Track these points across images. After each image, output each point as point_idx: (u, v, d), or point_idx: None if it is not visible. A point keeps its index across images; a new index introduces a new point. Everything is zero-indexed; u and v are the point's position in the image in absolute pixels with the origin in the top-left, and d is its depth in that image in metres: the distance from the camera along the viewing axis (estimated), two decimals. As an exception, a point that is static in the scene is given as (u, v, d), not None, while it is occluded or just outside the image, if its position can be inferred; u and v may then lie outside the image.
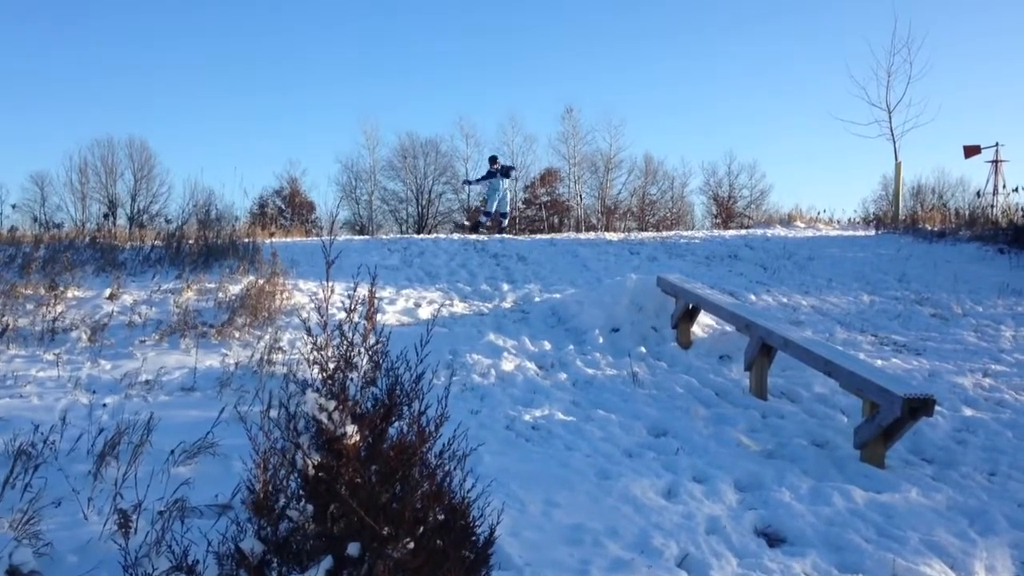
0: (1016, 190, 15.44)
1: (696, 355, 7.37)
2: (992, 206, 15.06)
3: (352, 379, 2.78)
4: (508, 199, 16.57)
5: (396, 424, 2.84)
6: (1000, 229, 12.69)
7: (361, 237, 15.14)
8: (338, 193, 40.62)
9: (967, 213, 14.84)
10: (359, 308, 2.90)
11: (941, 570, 3.78)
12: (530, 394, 6.19)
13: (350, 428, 2.63)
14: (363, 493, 2.54)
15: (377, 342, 2.81)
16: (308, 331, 2.81)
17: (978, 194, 15.96)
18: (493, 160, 16.41)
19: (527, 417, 5.65)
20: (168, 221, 12.64)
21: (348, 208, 42.76)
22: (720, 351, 7.47)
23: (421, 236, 14.40)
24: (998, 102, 56.29)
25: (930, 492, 4.63)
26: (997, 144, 16.35)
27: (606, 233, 15.64)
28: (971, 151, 16.00)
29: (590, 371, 6.79)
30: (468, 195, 42.85)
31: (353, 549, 2.45)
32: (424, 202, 43.20)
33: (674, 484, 4.60)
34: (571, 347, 7.44)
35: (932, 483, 4.80)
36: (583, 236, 14.55)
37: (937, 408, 5.63)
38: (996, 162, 16.15)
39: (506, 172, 16.22)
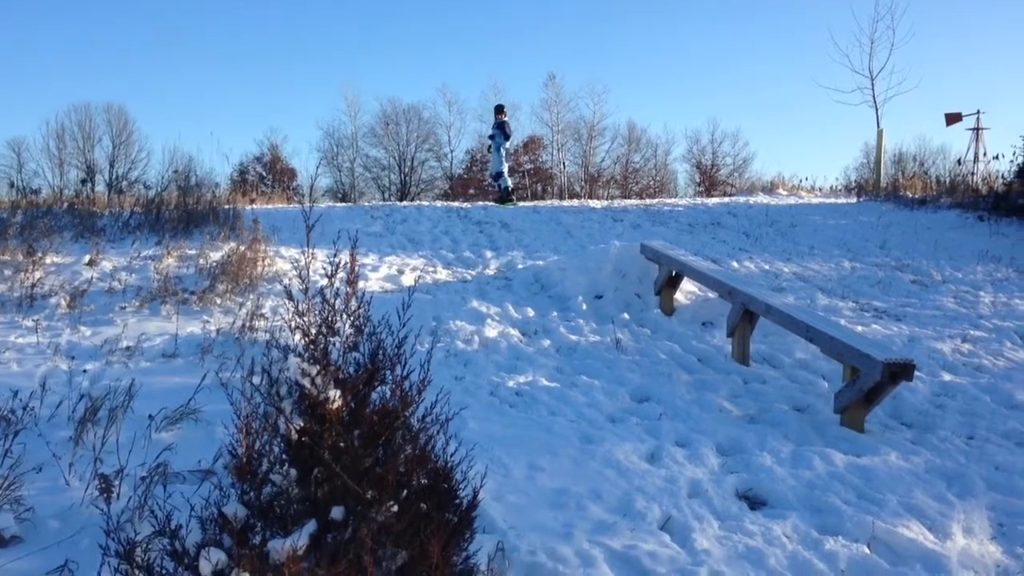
0: (996, 158, 15.52)
1: (679, 321, 7.40)
2: (972, 174, 15.15)
3: (334, 344, 2.76)
4: (495, 159, 14.63)
5: (379, 389, 2.83)
6: (980, 196, 12.76)
7: (343, 204, 15.03)
8: (319, 158, 40.26)
9: (948, 181, 14.90)
10: (341, 274, 2.87)
11: (919, 531, 3.83)
12: (514, 360, 6.19)
13: (333, 393, 2.62)
14: (346, 457, 2.53)
15: (359, 307, 2.78)
16: (289, 296, 2.79)
17: (959, 162, 16.04)
18: (500, 110, 14.67)
19: (511, 383, 5.66)
20: (147, 187, 12.47)
21: (330, 175, 42.47)
22: (703, 317, 7.50)
23: (404, 203, 14.32)
24: (980, 70, 56.40)
25: (909, 455, 4.69)
26: (978, 112, 16.42)
27: (589, 200, 15.62)
28: (952, 119, 16.04)
29: (574, 337, 6.80)
30: (451, 162, 42.62)
31: (337, 513, 2.44)
32: (407, 169, 42.95)
33: (657, 448, 4.63)
34: (555, 314, 7.44)
35: (911, 447, 4.86)
36: (566, 203, 14.53)
37: (917, 373, 5.68)
38: (977, 130, 16.22)
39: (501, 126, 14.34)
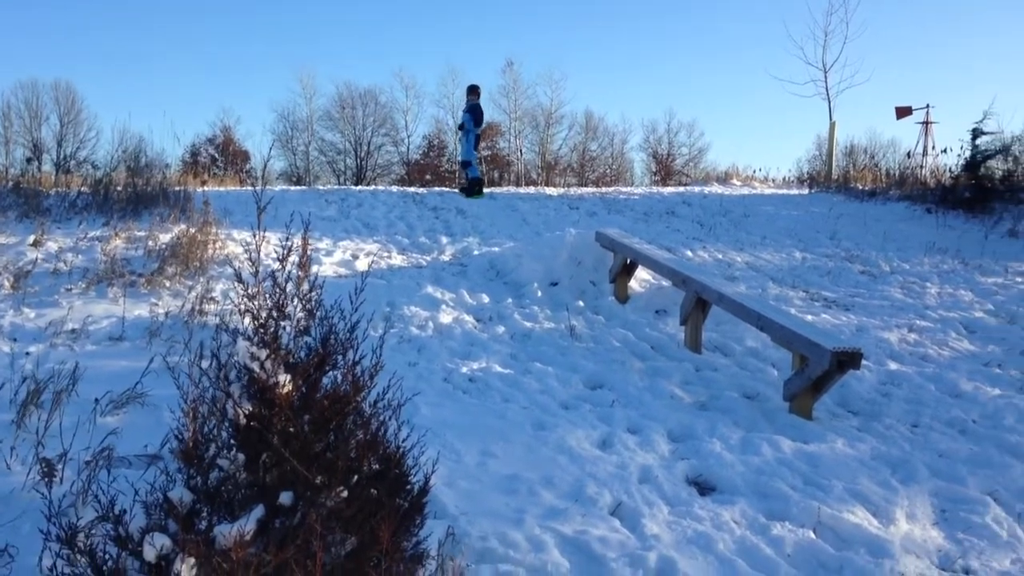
0: (945, 151, 15.83)
1: (633, 309, 7.44)
2: (921, 167, 15.44)
3: (285, 328, 2.72)
4: (464, 146, 13.21)
5: (331, 374, 2.80)
6: (928, 189, 13.02)
7: (297, 187, 14.85)
8: (272, 140, 39.70)
9: (897, 173, 15.18)
10: (293, 257, 2.83)
11: (864, 516, 3.91)
12: (468, 346, 6.18)
13: (283, 377, 2.58)
14: (296, 442, 2.50)
15: (311, 290, 2.75)
16: (239, 279, 2.74)
17: (908, 155, 16.34)
18: (474, 90, 13.29)
19: (464, 369, 5.65)
20: (95, 167, 12.18)
21: (284, 158, 41.95)
22: (656, 305, 7.55)
23: (359, 187, 14.20)
24: (930, 64, 57.49)
25: (855, 442, 4.77)
26: (928, 106, 16.72)
27: (546, 188, 15.63)
28: (903, 112, 16.32)
29: (528, 324, 6.80)
30: (408, 148, 42.32)
31: (285, 498, 2.41)
32: (363, 154, 42.57)
33: (609, 435, 4.66)
34: (509, 300, 7.44)
35: (857, 434, 4.95)
36: (523, 190, 14.52)
37: (864, 362, 5.78)
38: (926, 123, 16.53)
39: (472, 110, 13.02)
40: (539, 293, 7.64)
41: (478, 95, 13.35)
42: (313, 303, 2.84)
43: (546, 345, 6.33)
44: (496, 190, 14.57)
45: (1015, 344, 6.69)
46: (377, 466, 2.76)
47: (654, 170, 40.11)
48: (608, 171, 41.18)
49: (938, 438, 4.93)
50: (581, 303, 7.46)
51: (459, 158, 13.47)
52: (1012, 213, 11.27)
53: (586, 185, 28.18)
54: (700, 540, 3.59)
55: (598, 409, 5.10)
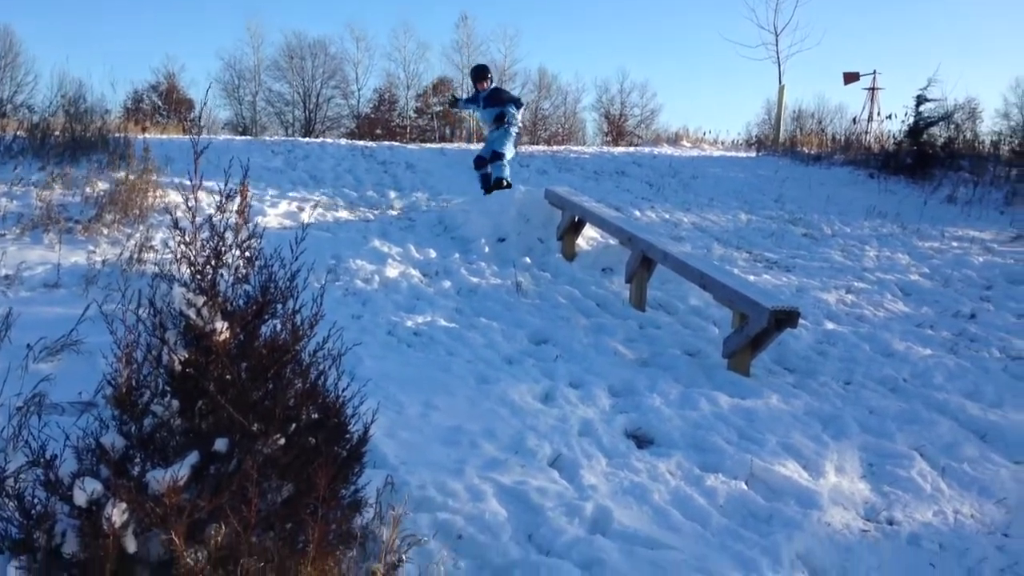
0: (889, 117, 16.05)
1: (580, 267, 7.48)
2: (866, 132, 15.67)
3: (223, 275, 2.69)
4: (504, 137, 9.72)
5: (270, 323, 2.78)
6: (872, 155, 13.24)
7: (243, 138, 14.55)
8: (210, 82, 38.68)
9: (843, 139, 15.39)
10: (233, 204, 2.78)
11: (795, 469, 4.03)
12: (413, 300, 6.17)
13: (220, 324, 2.56)
14: (233, 390, 2.48)
15: (250, 237, 2.71)
16: (175, 224, 2.69)
17: (854, 120, 16.56)
18: (480, 73, 10.11)
19: (409, 323, 5.65)
20: (32, 111, 11.77)
21: (230, 108, 41.03)
22: (603, 263, 7.60)
23: (307, 139, 13.95)
24: (879, 30, 58.10)
25: (790, 398, 4.90)
26: (875, 72, 16.95)
27: (497, 144, 15.49)
28: (850, 78, 16.52)
29: (475, 280, 6.80)
30: (358, 101, 41.67)
31: (221, 445, 2.40)
32: (312, 106, 41.83)
33: (551, 389, 4.71)
34: (457, 256, 7.42)
35: (792, 390, 5.07)
36: (473, 147, 14.40)
37: (801, 321, 5.90)
38: (872, 89, 16.77)
39: (495, 98, 9.87)
40: (487, 249, 7.64)
41: (486, 84, 10.07)
42: (253, 251, 2.80)
43: (492, 300, 6.35)
44: (446, 145, 14.45)
45: (947, 306, 6.89)
46: (316, 415, 2.75)
47: (606, 130, 40.13)
48: (560, 130, 41.09)
49: (869, 395, 5.08)
50: (528, 260, 7.48)
51: (486, 151, 9.92)
52: (951, 180, 11.53)
53: (538, 144, 28.08)
54: (636, 491, 3.67)
55: (542, 364, 5.15)
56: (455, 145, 14.91)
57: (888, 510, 3.79)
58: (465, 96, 11.23)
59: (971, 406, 4.92)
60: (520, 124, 10.19)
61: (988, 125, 43.34)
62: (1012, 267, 7.97)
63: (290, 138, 14.89)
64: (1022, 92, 35.17)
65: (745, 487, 3.83)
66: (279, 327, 2.74)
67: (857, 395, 5.09)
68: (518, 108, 10.03)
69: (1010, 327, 6.36)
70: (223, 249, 2.69)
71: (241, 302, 2.75)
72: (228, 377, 2.53)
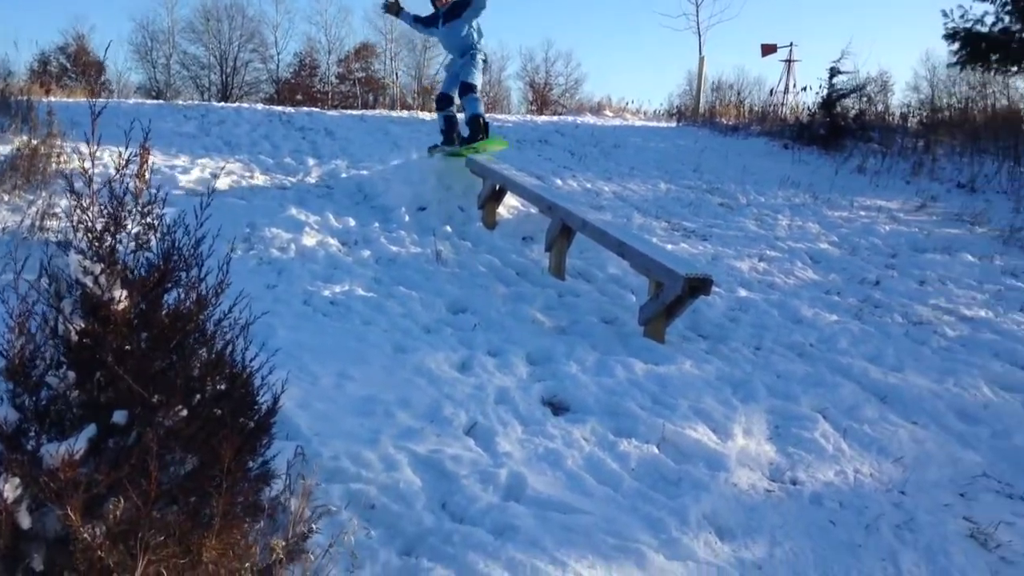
0: (805, 89, 16.45)
1: (500, 235, 7.49)
2: (783, 104, 16.01)
3: (121, 242, 2.60)
4: (470, 65, 8.60)
5: (174, 292, 2.71)
6: (787, 126, 13.54)
7: (154, 102, 14.07)
8: (110, 42, 37.17)
9: (759, 110, 15.69)
10: (132, 167, 2.69)
11: (704, 433, 4.13)
12: (331, 270, 6.09)
13: (119, 293, 2.48)
14: (132, 361, 2.42)
15: (150, 203, 2.62)
16: (71, 189, 2.58)
17: (771, 92, 16.91)
18: None
19: (326, 292, 5.58)
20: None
21: (143, 71, 39.60)
22: (524, 232, 7.62)
23: (222, 104, 13.56)
24: (795, 3, 59.13)
25: (702, 364, 5.00)
26: (791, 44, 17.29)
27: (420, 112, 15.36)
28: (768, 50, 16.81)
29: (394, 248, 6.75)
30: (278, 65, 40.64)
31: (119, 417, 2.34)
32: (229, 70, 40.64)
33: (469, 358, 4.72)
34: (376, 224, 7.34)
35: (705, 356, 5.19)
36: (395, 114, 14.24)
37: (715, 289, 6.04)
38: (789, 62, 17.11)
39: (456, 9, 8.39)
40: (407, 218, 7.57)
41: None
42: (154, 217, 2.72)
43: (411, 270, 6.31)
44: (367, 112, 14.24)
45: (854, 274, 7.12)
46: (222, 386, 2.70)
47: (531, 99, 40.10)
48: (485, 98, 40.84)
49: (778, 360, 5.23)
50: (449, 228, 7.45)
51: (454, 83, 8.73)
52: (861, 150, 11.87)
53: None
54: (550, 457, 3.71)
55: (460, 333, 5.15)
56: (376, 112, 14.70)
57: (792, 470, 3.92)
58: (413, 15, 9.05)
59: (873, 369, 5.11)
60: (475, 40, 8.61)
61: (899, 98, 44.72)
62: (916, 235, 8.27)
63: (204, 103, 14.45)
64: (931, 66, 36.32)
65: (657, 451, 3.92)
66: (183, 296, 2.68)
67: (766, 360, 5.24)
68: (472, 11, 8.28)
69: (912, 293, 6.61)
70: (123, 215, 2.60)
71: (143, 271, 2.67)
72: (128, 348, 2.46)
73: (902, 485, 3.89)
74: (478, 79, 8.74)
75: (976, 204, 9.39)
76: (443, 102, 9.03)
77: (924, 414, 4.61)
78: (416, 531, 3.07)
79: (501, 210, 7.95)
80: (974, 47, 13.54)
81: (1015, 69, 14.00)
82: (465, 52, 8.59)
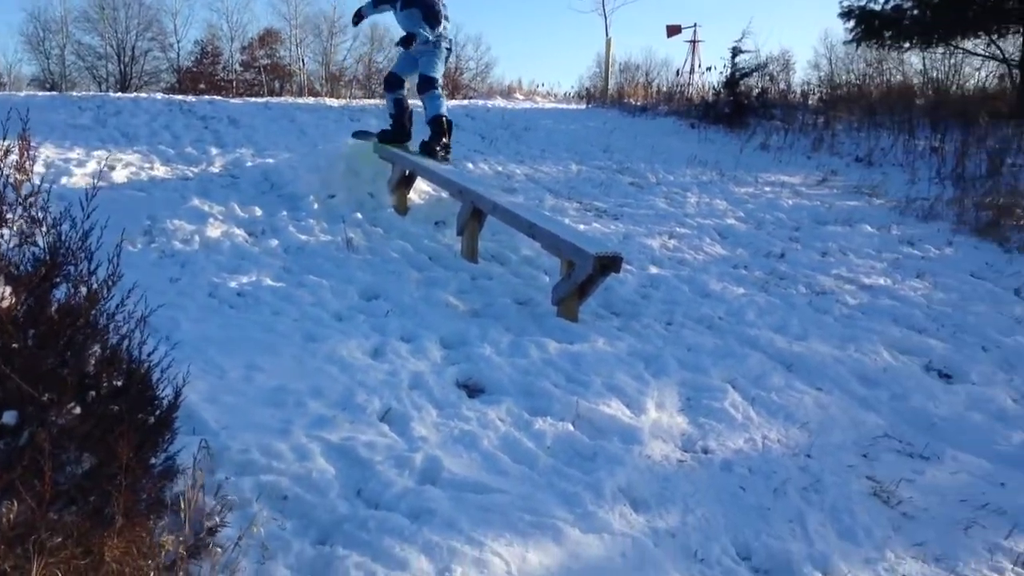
0: (709, 69, 16.72)
1: (412, 221, 7.42)
2: (689, 84, 16.28)
3: (4, 237, 2.48)
4: (432, 55, 7.92)
5: (63, 287, 2.60)
6: (693, 106, 13.77)
7: (47, 93, 13.48)
8: (20, 43, 35.67)
9: (667, 90, 15.93)
10: (12, 157, 2.57)
11: (618, 408, 4.18)
12: (237, 260, 5.94)
13: (3, 290, 2.37)
14: (20, 359, 2.31)
15: (32, 194, 2.51)
16: (-54, 183, 2.45)
17: (677, 72, 17.18)
18: None
19: (233, 284, 5.44)
20: None
21: (37, 63, 37.91)
22: (435, 217, 7.58)
23: (119, 95, 13.08)
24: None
25: (615, 341, 5.07)
26: (695, 25, 17.60)
27: (327, 99, 15.10)
28: (673, 31, 17.06)
29: (303, 237, 6.62)
30: (178, 54, 39.42)
31: (9, 418, 2.24)
32: (127, 60, 39.22)
33: (381, 344, 4.67)
34: (284, 213, 7.19)
35: (617, 333, 5.25)
36: (302, 101, 13.97)
37: (627, 267, 6.13)
38: (694, 42, 17.42)
39: None
40: (316, 206, 7.44)
41: None
42: (39, 210, 2.60)
43: (322, 258, 6.20)
44: (272, 99, 13.93)
45: (760, 247, 7.30)
46: (119, 382, 2.61)
47: (442, 84, 39.85)
48: (397, 84, 40.39)
49: (688, 334, 5.33)
50: (359, 215, 7.34)
51: (409, 70, 8.19)
52: (764, 128, 12.16)
53: (373, 98, 27.55)
54: (466, 439, 3.71)
55: (372, 319, 5.09)
56: (282, 99, 14.39)
57: (703, 440, 4.01)
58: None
59: (779, 339, 5.26)
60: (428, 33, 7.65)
61: (801, 76, 46.05)
62: (818, 209, 8.54)
63: (101, 93, 13.90)
64: (830, 44, 37.42)
65: (572, 428, 3.95)
66: (73, 290, 2.57)
67: (677, 335, 5.33)
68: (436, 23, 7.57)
69: (815, 265, 6.83)
70: (2, 209, 2.48)
71: (29, 266, 2.56)
72: (15, 346, 2.35)
73: (808, 449, 4.01)
74: (439, 71, 7.98)
75: (874, 177, 9.74)
76: (393, 84, 8.23)
77: (828, 380, 4.77)
78: (331, 519, 3.03)
79: (412, 195, 7.89)
80: (868, 24, 14.05)
81: (907, 45, 14.60)
82: (418, 36, 7.63)
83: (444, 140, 7.80)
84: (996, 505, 3.65)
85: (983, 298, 6.16)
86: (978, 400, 4.61)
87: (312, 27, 39.37)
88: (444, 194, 7.69)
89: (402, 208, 7.69)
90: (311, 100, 14.14)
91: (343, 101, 14.32)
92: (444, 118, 7.91)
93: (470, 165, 9.57)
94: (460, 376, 4.41)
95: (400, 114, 8.25)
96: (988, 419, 4.46)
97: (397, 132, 8.32)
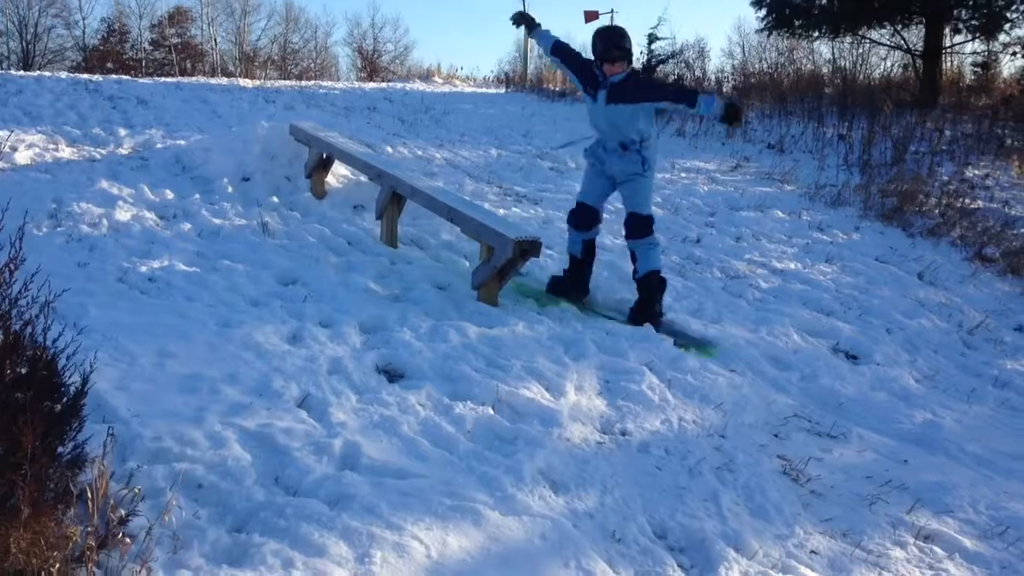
0: (628, 54, 16.90)
1: (330, 205, 7.32)
2: (607, 71, 16.39)
3: None
4: (642, 182, 5.52)
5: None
6: (612, 92, 13.90)
7: (-59, 70, 12.81)
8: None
9: (586, 76, 16.02)
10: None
11: (538, 392, 4.22)
12: (148, 245, 5.76)
13: None
14: (-87, 348, 2.21)
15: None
16: None
17: (596, 59, 17.28)
18: (613, 40, 5.40)
19: (144, 268, 5.27)
20: None
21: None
22: (354, 201, 7.49)
23: (20, 73, 12.53)
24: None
25: (534, 325, 5.10)
26: (612, 11, 17.70)
27: (241, 80, 14.74)
28: (591, 16, 16.98)
29: (217, 221, 6.46)
30: (84, 32, 37.93)
31: (-99, 410, 2.13)
32: (29, 37, 37.50)
33: (299, 330, 4.60)
34: (197, 196, 7.00)
35: (537, 317, 5.29)
36: (215, 81, 13.62)
37: (548, 251, 6.18)
38: (612, 29, 17.53)
39: (634, 91, 5.29)
40: (230, 189, 7.26)
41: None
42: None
43: (236, 242, 6.06)
44: (183, 79, 13.53)
45: (677, 232, 7.45)
46: (23, 369, 2.52)
47: (360, 66, 39.29)
48: (312, 65, 39.72)
49: (606, 318, 5.40)
50: (275, 199, 7.20)
51: (600, 196, 5.88)
52: (680, 114, 12.35)
53: (289, 79, 26.98)
54: (386, 424, 3.69)
55: (289, 305, 5.01)
56: (194, 79, 13.99)
57: (621, 422, 4.08)
58: (555, 40, 6.00)
59: (695, 322, 5.38)
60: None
61: (716, 63, 46.90)
62: (732, 194, 8.75)
63: (1, 72, 13.27)
64: (744, 32, 38.21)
65: (492, 412, 3.97)
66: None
67: (596, 318, 5.40)
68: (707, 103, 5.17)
69: (729, 249, 7.00)
70: None
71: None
72: (-92, 335, 2.24)
73: (722, 430, 4.13)
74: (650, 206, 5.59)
75: (785, 163, 10.02)
76: (587, 219, 5.66)
77: (741, 362, 4.91)
78: (247, 507, 2.98)
79: (330, 179, 7.77)
80: (779, 13, 14.42)
81: (816, 34, 15.04)
82: (630, 146, 5.34)
83: (656, 305, 5.42)
84: (899, 481, 3.82)
85: (888, 282, 6.42)
86: (883, 380, 4.82)
87: (224, 5, 38.37)
88: (363, 178, 7.61)
89: (320, 192, 7.58)
90: (225, 81, 13.81)
91: (257, 82, 14.03)
92: (659, 273, 5.48)
93: (389, 149, 9.49)
94: (380, 361, 4.38)
95: (589, 260, 5.75)
96: (892, 399, 4.66)
97: (576, 283, 5.81)
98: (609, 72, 5.32)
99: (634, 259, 5.49)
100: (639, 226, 5.42)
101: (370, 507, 3.03)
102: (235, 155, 7.84)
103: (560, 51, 5.86)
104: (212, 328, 4.46)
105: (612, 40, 5.36)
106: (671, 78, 13.46)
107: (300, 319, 4.76)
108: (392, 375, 4.29)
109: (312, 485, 3.14)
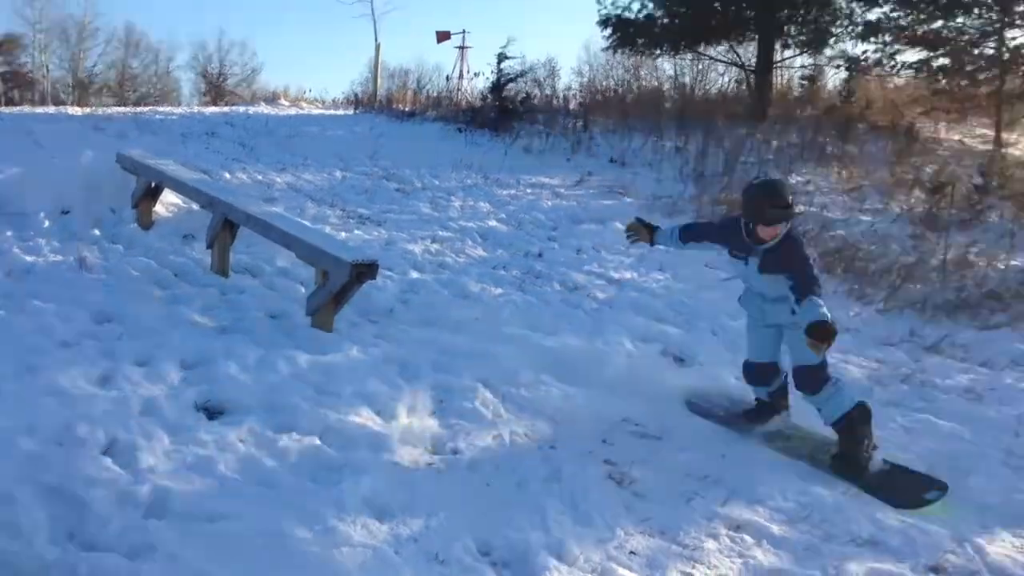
0: (477, 75, 17.06)
1: (158, 236, 6.98)
2: (458, 89, 16.52)
3: None
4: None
5: None
6: (461, 110, 13.99)
7: None
8: None
9: (436, 95, 16.08)
10: None
11: (368, 417, 4.12)
12: (-53, 289, 5.32)
13: None
14: None
15: None
16: None
17: (447, 78, 17.39)
18: (775, 200, 4.23)
19: (-62, 315, 4.86)
20: None
21: None
22: (185, 230, 7.16)
23: None
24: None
25: (369, 348, 4.99)
26: (464, 32, 17.90)
27: (70, 108, 13.98)
28: (442, 36, 17.28)
29: (29, 259, 6.03)
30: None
31: None
32: None
33: (111, 371, 4.30)
34: (8, 234, 6.52)
35: (373, 340, 5.18)
36: (40, 110, 12.87)
37: (387, 273, 6.10)
38: (463, 48, 17.69)
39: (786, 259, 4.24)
40: (47, 223, 6.81)
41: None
42: None
43: (50, 281, 5.66)
44: (5, 110, 12.70)
45: (520, 248, 7.50)
46: None
47: (204, 90, 38.08)
48: (153, 91, 38.18)
49: (444, 337, 5.35)
50: (97, 232, 6.81)
51: (770, 352, 4.68)
52: (528, 131, 12.53)
53: (126, 106, 25.86)
54: (200, 464, 3.50)
55: (103, 344, 4.68)
56: (16, 109, 13.17)
57: (453, 441, 4.03)
58: (680, 228, 4.99)
59: (532, 335, 5.41)
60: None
61: (566, 82, 47.97)
62: (575, 208, 8.90)
63: None
64: (592, 51, 39.30)
65: (319, 442, 3.83)
66: None
67: (434, 339, 5.33)
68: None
69: (570, 262, 7.10)
70: None
71: None
72: None
73: (552, 441, 4.14)
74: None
75: (625, 177, 10.29)
76: (760, 376, 4.77)
77: (575, 372, 4.94)
78: (36, 567, 2.75)
79: (159, 208, 7.42)
80: (624, 32, 14.87)
81: (658, 52, 15.59)
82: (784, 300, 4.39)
83: (864, 451, 4.32)
84: (716, 476, 3.94)
85: (714, 286, 6.66)
86: (705, 379, 4.96)
87: (58, 31, 36.37)
88: (195, 206, 7.29)
89: (146, 222, 7.21)
90: (51, 110, 13.08)
91: (88, 110, 13.34)
92: (857, 409, 4.39)
93: (227, 174, 9.17)
94: (199, 398, 4.15)
95: (782, 397, 4.81)
96: (716, 396, 4.80)
97: (762, 411, 4.81)
98: (766, 236, 4.27)
99: (819, 407, 4.42)
100: (811, 378, 4.35)
101: (175, 556, 2.85)
102: (54, 188, 7.37)
103: (692, 236, 4.90)
104: (11, 375, 4.12)
105: (773, 198, 4.24)
106: (520, 96, 13.60)
107: (113, 359, 4.46)
108: (212, 411, 4.08)
109: (112, 538, 2.94)
